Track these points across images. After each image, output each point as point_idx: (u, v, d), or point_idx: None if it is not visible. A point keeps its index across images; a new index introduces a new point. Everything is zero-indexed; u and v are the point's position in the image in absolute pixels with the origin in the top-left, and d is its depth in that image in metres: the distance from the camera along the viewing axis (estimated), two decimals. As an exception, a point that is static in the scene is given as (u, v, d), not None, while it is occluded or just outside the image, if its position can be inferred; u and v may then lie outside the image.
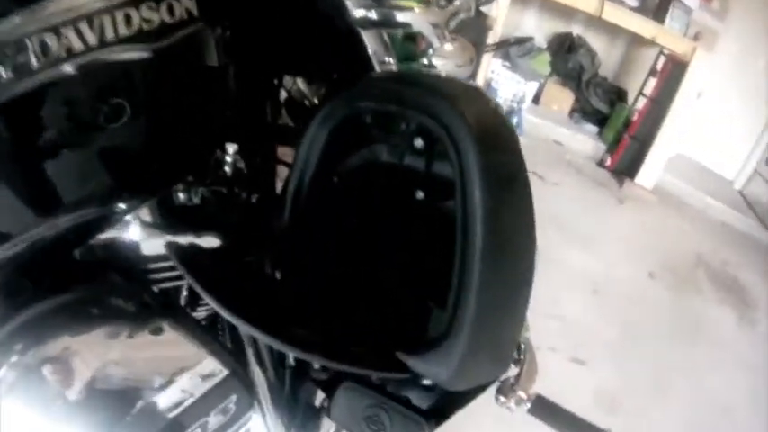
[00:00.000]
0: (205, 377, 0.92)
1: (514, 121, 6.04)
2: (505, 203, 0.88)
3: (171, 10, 0.90)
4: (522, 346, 1.42)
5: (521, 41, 5.48)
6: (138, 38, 0.86)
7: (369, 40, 1.44)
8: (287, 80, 1.57)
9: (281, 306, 1.05)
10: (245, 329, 0.89)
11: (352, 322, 1.05)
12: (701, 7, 5.82)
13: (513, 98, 6.21)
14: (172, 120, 1.04)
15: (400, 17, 1.33)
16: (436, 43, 1.57)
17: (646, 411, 3.21)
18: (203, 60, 1.06)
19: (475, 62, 1.80)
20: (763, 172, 6.64)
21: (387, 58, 1.49)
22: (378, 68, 1.46)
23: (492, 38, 5.21)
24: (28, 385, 0.86)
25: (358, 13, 1.28)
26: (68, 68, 0.81)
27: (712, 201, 6.16)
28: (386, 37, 1.47)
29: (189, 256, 0.99)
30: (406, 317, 1.02)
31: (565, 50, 6.65)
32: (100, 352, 0.91)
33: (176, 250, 0.99)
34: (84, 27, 0.81)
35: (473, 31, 4.52)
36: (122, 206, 1.04)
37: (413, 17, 1.35)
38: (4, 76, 0.76)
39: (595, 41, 6.74)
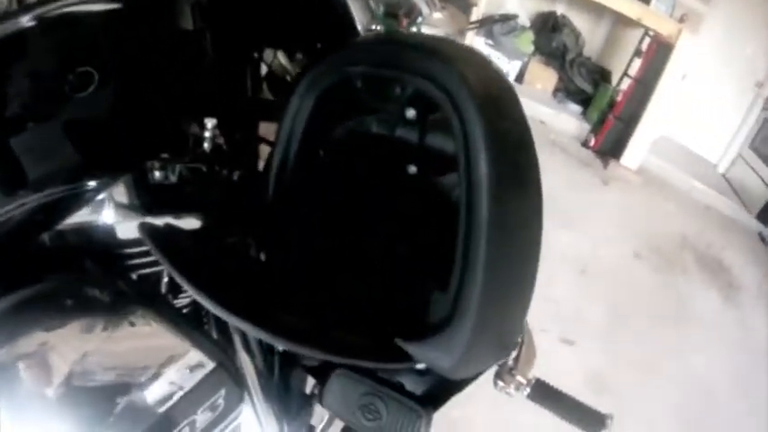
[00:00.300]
0: (193, 368, 0.85)
1: (498, 100, 6.00)
2: (512, 174, 0.81)
3: None
4: None
5: (505, 19, 5.40)
6: None
7: (354, 7, 1.37)
8: (267, 54, 1.48)
9: (268, 292, 0.97)
10: (232, 322, 0.80)
11: (344, 306, 0.98)
12: (688, -11, 5.79)
13: (497, 77, 6.15)
14: (143, 87, 0.96)
15: None
16: (426, 10, 1.51)
17: (633, 391, 3.19)
18: (177, 21, 0.99)
19: (465, 32, 1.75)
20: (746, 156, 6.65)
21: (374, 26, 1.42)
22: (363, 35, 1.40)
23: (475, 15, 5.16)
24: (3, 384, 0.79)
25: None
26: (28, 21, 0.73)
27: (697, 183, 6.17)
28: (372, 4, 1.40)
29: (166, 240, 0.90)
30: (402, 299, 0.94)
31: (548, 29, 6.61)
32: (77, 345, 0.83)
33: (151, 232, 0.90)
34: None
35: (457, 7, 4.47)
36: (93, 184, 0.96)
37: None
38: None
39: (579, 21, 6.70)
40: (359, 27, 1.34)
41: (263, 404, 1.12)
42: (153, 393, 0.80)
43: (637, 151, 5.83)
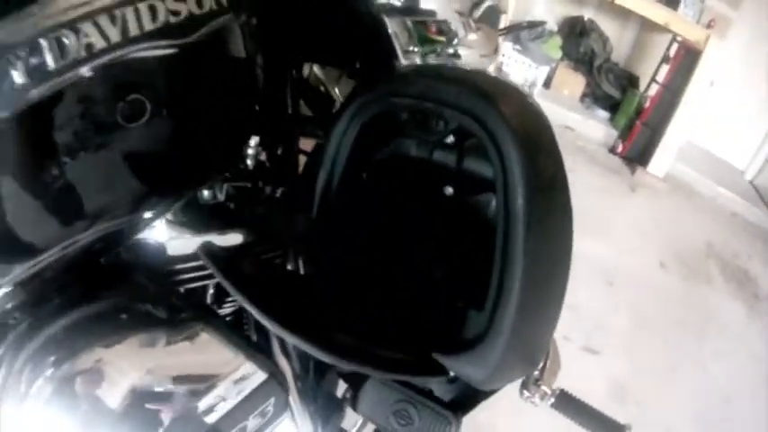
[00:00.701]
0: (241, 380, 0.90)
1: (525, 105, 6.01)
2: (547, 207, 0.87)
3: (199, 1, 0.82)
4: None
5: (533, 25, 5.42)
6: (164, 32, 0.78)
7: (393, 27, 1.42)
8: (304, 67, 1.55)
9: (316, 308, 1.04)
10: (292, 342, 0.87)
11: (381, 322, 1.05)
12: (715, -6, 5.77)
13: (525, 82, 6.18)
14: (197, 117, 0.98)
15: (425, 4, 1.32)
16: (461, 32, 1.55)
17: (655, 401, 3.22)
18: (231, 53, 0.99)
19: (499, 51, 1.78)
20: (774, 163, 6.59)
21: (411, 47, 1.47)
22: (402, 57, 1.44)
23: (504, 21, 5.18)
24: (63, 398, 0.82)
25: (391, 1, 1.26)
26: (88, 70, 0.73)
27: (723, 190, 6.12)
28: (410, 24, 1.44)
29: (221, 259, 0.98)
30: (437, 316, 1.01)
31: (576, 34, 6.61)
32: (136, 361, 0.87)
33: (210, 254, 0.97)
34: (104, 22, 0.72)
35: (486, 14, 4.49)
36: (150, 214, 1.00)
37: (438, 4, 1.33)
38: (18, 81, 0.67)
39: (607, 26, 6.69)
40: (397, 48, 1.39)
41: (299, 406, 1.20)
42: (206, 404, 0.85)
43: (664, 158, 5.82)
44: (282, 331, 0.86)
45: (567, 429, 1.41)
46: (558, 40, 6.44)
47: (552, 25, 6.66)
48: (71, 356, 0.85)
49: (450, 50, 1.56)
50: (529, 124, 0.90)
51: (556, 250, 0.91)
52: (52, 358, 0.84)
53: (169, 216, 1.12)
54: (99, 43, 0.72)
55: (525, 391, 1.29)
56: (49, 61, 0.68)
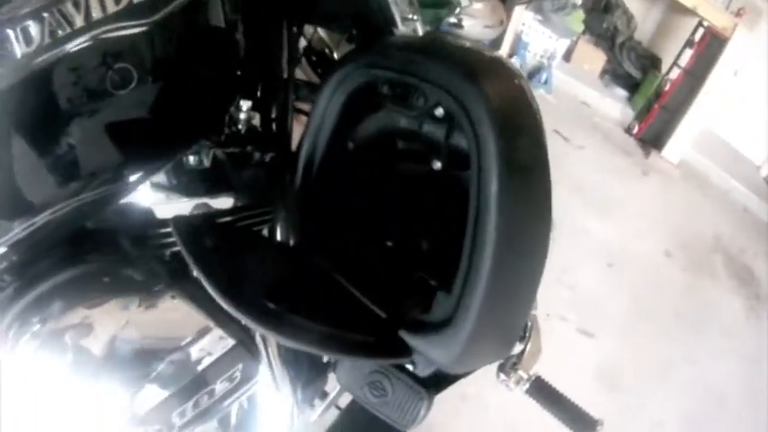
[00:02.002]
0: (209, 345, 0.97)
1: (543, 77, 5.97)
2: (523, 192, 0.86)
3: None
4: (528, 323, 1.39)
5: (556, -4, 5.36)
6: (129, 14, 0.83)
7: (394, -3, 1.36)
8: (307, 28, 1.53)
9: (278, 282, 1.02)
10: (244, 320, 0.88)
11: (354, 298, 1.03)
12: (748, -18, 5.65)
13: (544, 54, 6.12)
14: (179, 83, 1.02)
15: None
16: (465, 1, 1.50)
17: (645, 393, 3.23)
18: (208, 21, 1.04)
19: (505, 23, 1.72)
20: (791, 161, 6.52)
21: (411, 15, 1.40)
22: (401, 25, 1.38)
23: (526, -11, 5.09)
24: (50, 350, 0.90)
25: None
26: (61, 51, 0.78)
27: (737, 183, 6.06)
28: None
29: (195, 234, 0.98)
30: (414, 294, 1.00)
31: (601, 9, 6.49)
32: (117, 318, 0.94)
33: (181, 228, 0.97)
34: (70, 9, 0.77)
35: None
36: (135, 177, 1.03)
37: None
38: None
39: (633, 3, 6.57)
40: (396, 15, 1.33)
41: (279, 368, 1.19)
42: (182, 358, 0.94)
43: (680, 144, 5.77)
44: (231, 307, 0.85)
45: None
46: (581, 14, 6.32)
47: (577, -2, 6.55)
48: (56, 316, 0.91)
49: (453, 19, 1.52)
50: (510, 105, 0.87)
51: (530, 237, 0.89)
52: (37, 318, 0.91)
53: (157, 180, 1.17)
54: (63, 29, 0.77)
55: (501, 374, 1.31)
56: (15, 49, 0.73)
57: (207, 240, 0.96)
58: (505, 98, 0.86)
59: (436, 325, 0.89)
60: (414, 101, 0.98)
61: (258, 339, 1.14)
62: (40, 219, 0.88)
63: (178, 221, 0.98)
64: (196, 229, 0.99)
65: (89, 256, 0.98)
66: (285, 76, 1.36)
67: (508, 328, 0.99)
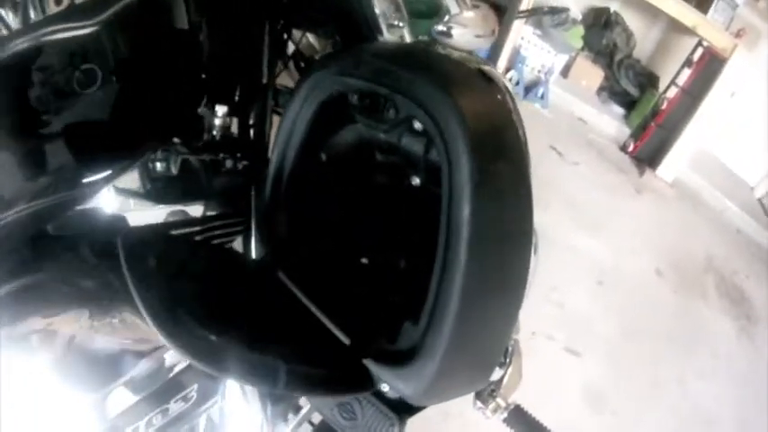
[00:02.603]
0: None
1: (540, 92, 5.96)
2: (498, 220, 0.78)
3: None
4: (509, 349, 1.36)
5: (554, 11, 5.33)
6: (72, 15, 0.82)
7: (379, 2, 1.34)
8: (296, 33, 1.49)
9: (229, 312, 0.96)
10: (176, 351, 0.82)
11: (317, 322, 0.98)
12: (748, 4, 5.63)
13: (542, 68, 6.10)
14: (137, 86, 1.00)
15: None
16: (454, 8, 1.48)
17: (631, 414, 3.18)
18: (166, 23, 1.03)
19: (497, 33, 1.70)
20: (785, 183, 6.51)
21: (397, 21, 1.38)
22: (386, 32, 1.36)
23: (526, 3, 5.10)
24: (17, 353, 0.88)
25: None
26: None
27: (731, 204, 6.03)
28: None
29: (137, 251, 0.92)
30: (380, 319, 0.94)
31: (600, 26, 6.49)
32: (73, 327, 0.92)
33: (127, 244, 0.91)
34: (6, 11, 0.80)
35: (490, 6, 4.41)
36: (99, 177, 1.00)
37: None
38: None
39: (633, 21, 6.55)
40: (381, 21, 1.32)
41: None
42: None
43: (674, 163, 5.74)
44: (163, 336, 0.79)
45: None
46: (580, 30, 6.32)
47: (576, 14, 6.55)
48: (11, 323, 0.88)
49: (442, 27, 1.49)
50: (489, 123, 0.79)
51: (505, 265, 0.82)
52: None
53: (122, 185, 1.15)
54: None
55: (478, 401, 1.25)
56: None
57: (151, 258, 0.90)
58: (484, 116, 0.78)
59: (402, 355, 0.83)
60: (386, 113, 0.90)
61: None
62: (9, 214, 0.86)
63: (128, 234, 0.92)
64: (144, 244, 0.93)
65: (48, 263, 0.95)
66: (265, 80, 1.33)
67: (481, 361, 0.91)
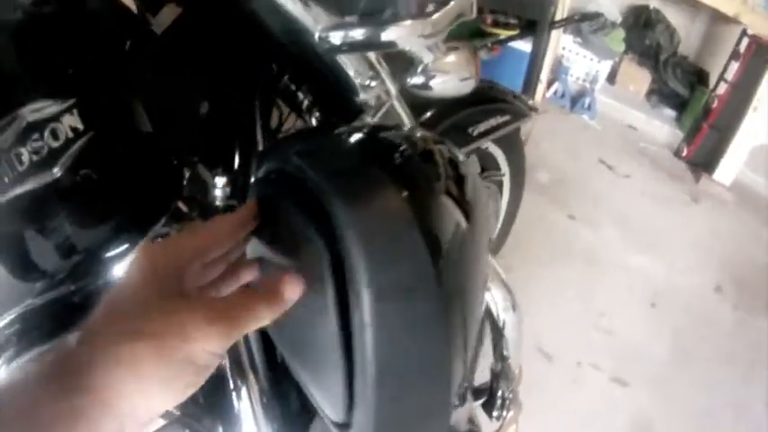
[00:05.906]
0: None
1: (586, 102, 5.95)
2: (402, 318, 0.71)
3: (55, 134, 0.95)
4: (507, 401, 1.36)
5: (587, 17, 5.28)
6: (33, 170, 0.92)
7: (350, 62, 1.38)
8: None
9: None
10: None
11: None
12: (791, -17, 5.46)
13: (586, 77, 6.11)
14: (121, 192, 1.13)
15: (384, 36, 1.25)
16: (427, 58, 1.49)
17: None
18: (121, 148, 1.13)
19: (479, 71, 1.71)
20: None
21: (369, 82, 1.42)
22: (362, 94, 1.40)
23: (560, 12, 5.06)
24: None
25: (332, 37, 1.21)
26: None
27: (798, 204, 5.80)
28: (372, 57, 1.40)
29: None
30: None
31: (641, 26, 6.40)
32: None
33: None
34: None
35: (532, 6, 4.40)
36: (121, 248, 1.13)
37: (398, 34, 1.24)
38: None
39: (674, 16, 6.43)
40: (356, 84, 1.35)
41: (263, 421, 1.26)
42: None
43: (731, 164, 5.57)
44: None
45: None
46: (621, 32, 6.24)
47: (616, 15, 6.47)
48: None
49: (416, 80, 1.51)
50: (385, 232, 0.69)
51: (418, 365, 0.76)
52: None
53: None
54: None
55: None
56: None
57: None
58: (380, 226, 0.68)
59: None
60: None
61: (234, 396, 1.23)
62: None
63: None
64: None
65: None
66: (260, 149, 1.41)
67: None
